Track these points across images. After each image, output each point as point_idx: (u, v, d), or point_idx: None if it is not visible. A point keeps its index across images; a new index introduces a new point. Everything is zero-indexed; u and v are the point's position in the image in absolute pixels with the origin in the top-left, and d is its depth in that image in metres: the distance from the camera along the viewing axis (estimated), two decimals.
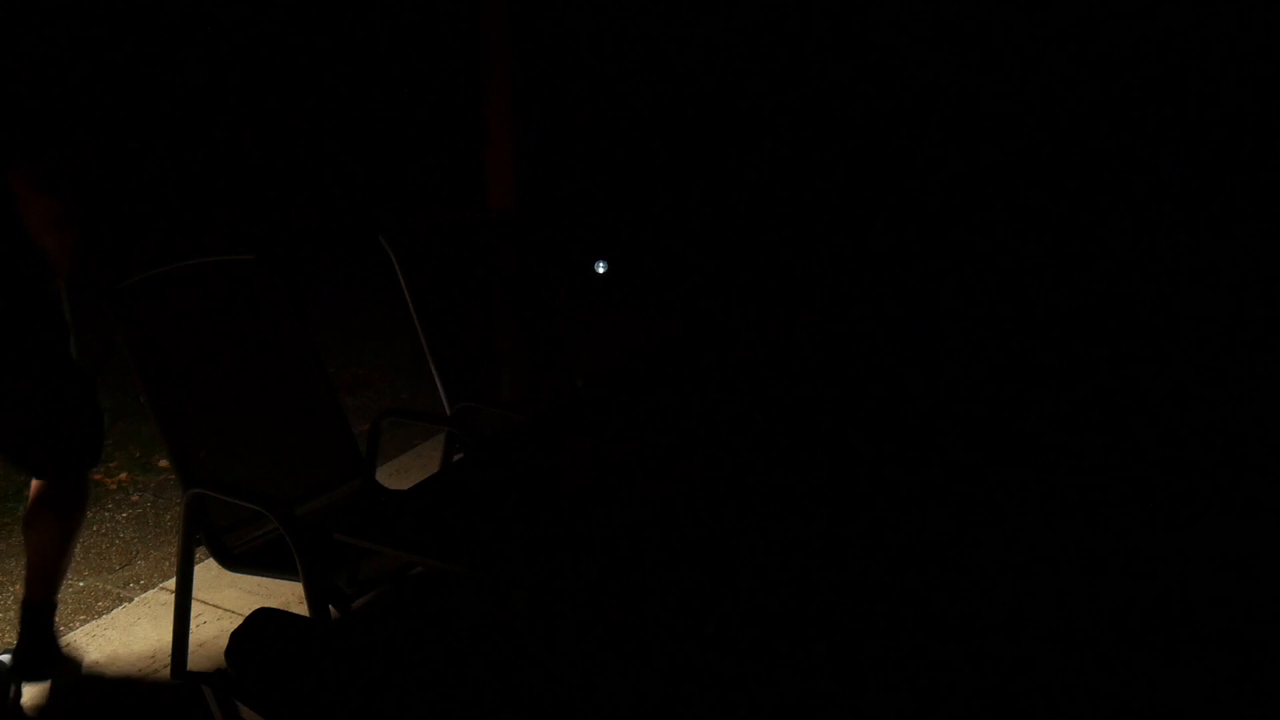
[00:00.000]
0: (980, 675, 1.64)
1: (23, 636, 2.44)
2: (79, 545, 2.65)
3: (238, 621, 1.20)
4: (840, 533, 1.89)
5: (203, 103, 9.11)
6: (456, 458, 2.84)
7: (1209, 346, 3.24)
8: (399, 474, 3.81)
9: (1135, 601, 1.83)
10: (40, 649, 2.45)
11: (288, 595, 2.82)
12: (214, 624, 2.74)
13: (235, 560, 2.34)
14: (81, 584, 3.06)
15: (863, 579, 1.78)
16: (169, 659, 2.53)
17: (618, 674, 1.83)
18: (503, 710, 1.61)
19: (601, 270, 6.00)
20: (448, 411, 2.88)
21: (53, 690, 2.51)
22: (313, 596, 2.18)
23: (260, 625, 1.18)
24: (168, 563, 3.16)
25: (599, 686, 1.73)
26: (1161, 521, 2.09)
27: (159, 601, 2.88)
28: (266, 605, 2.20)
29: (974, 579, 1.85)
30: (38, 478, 2.40)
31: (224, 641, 1.18)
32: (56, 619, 2.52)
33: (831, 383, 2.76)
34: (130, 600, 2.96)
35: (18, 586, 3.05)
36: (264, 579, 2.64)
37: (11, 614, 2.90)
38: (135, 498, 3.62)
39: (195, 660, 2.55)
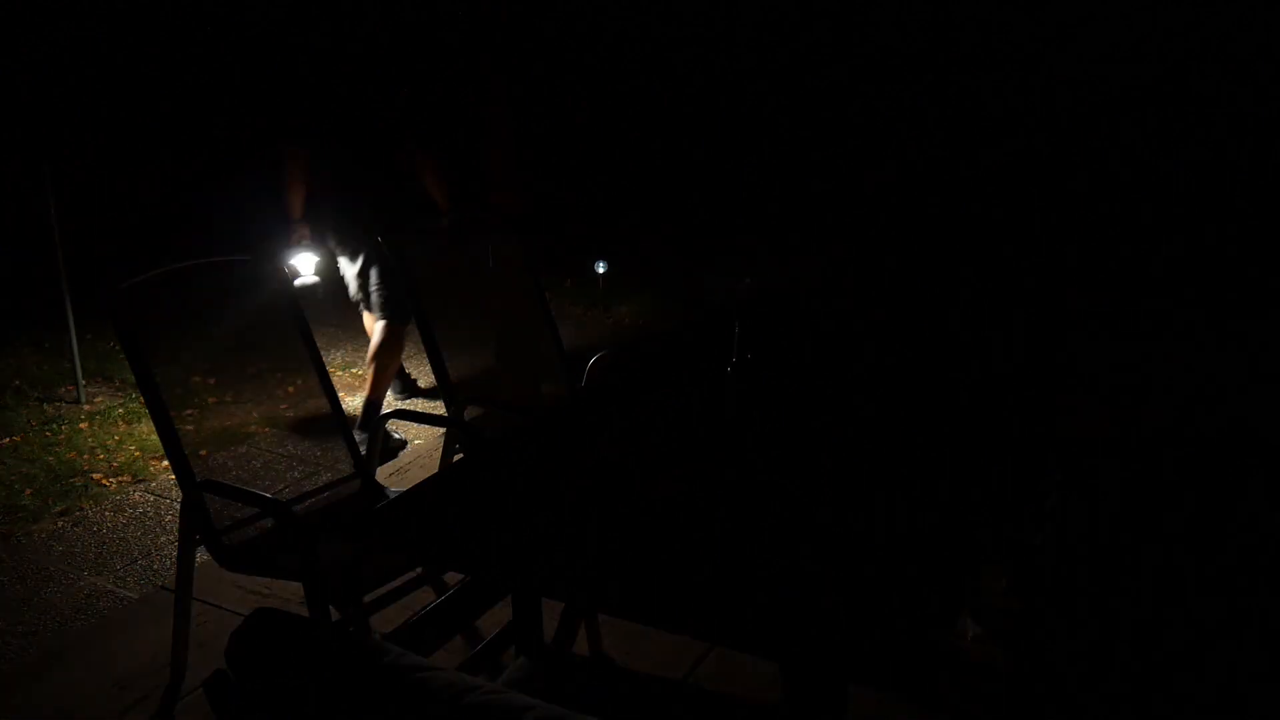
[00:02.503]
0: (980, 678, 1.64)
1: (363, 418, 3.97)
2: (86, 544, 3.21)
3: (238, 621, 1.19)
4: (841, 531, 1.89)
5: (203, 103, 9.11)
6: (456, 458, 2.84)
7: (1209, 343, 3.24)
8: (399, 474, 3.82)
9: (1137, 603, 1.83)
10: (373, 423, 3.62)
11: (288, 595, 2.83)
12: (214, 624, 2.74)
13: (234, 560, 2.34)
14: (81, 584, 3.06)
15: (863, 577, 1.78)
16: (169, 659, 2.53)
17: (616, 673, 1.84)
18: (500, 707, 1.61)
19: (601, 270, 5.99)
20: (447, 411, 2.88)
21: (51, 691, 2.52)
22: (312, 596, 2.18)
23: (260, 625, 1.18)
24: (168, 562, 3.16)
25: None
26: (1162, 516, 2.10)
27: (159, 601, 2.88)
28: (266, 605, 2.20)
29: (974, 578, 1.85)
30: (382, 318, 3.94)
31: (224, 641, 1.18)
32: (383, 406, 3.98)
33: (831, 381, 2.76)
34: (130, 600, 2.97)
35: (19, 586, 3.06)
36: (264, 578, 2.64)
37: (11, 618, 2.91)
38: (135, 497, 3.62)
39: (195, 660, 2.55)
